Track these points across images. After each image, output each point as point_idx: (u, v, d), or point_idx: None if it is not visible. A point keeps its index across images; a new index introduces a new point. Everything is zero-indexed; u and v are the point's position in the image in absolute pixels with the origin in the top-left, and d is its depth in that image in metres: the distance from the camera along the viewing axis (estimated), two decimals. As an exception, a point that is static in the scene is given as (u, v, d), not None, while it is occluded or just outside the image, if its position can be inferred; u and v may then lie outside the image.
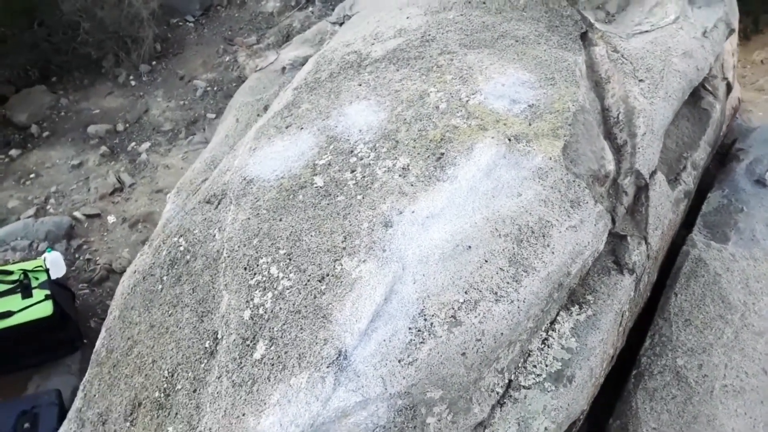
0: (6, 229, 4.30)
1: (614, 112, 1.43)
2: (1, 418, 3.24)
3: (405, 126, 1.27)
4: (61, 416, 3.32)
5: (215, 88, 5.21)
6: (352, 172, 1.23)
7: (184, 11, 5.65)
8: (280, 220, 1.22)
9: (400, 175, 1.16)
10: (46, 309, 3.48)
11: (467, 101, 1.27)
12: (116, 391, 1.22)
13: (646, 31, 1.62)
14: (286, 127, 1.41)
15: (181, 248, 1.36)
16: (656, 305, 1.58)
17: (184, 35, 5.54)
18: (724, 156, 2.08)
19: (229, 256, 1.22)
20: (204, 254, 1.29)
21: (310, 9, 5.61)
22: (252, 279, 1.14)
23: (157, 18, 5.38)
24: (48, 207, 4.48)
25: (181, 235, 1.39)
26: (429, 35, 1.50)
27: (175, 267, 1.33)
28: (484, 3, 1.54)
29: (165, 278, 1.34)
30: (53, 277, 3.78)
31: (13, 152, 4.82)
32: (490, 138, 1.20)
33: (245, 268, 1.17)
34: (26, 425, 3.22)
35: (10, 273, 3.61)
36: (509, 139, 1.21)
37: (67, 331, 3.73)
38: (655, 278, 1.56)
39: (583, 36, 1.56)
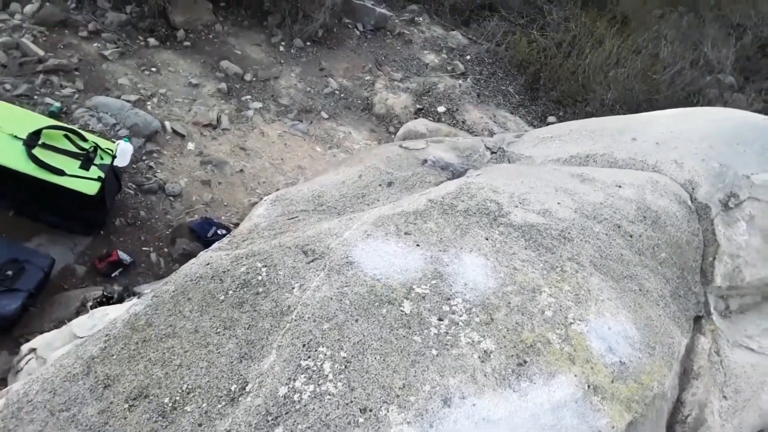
0: (104, 99, 4.46)
1: (686, 411, 1.42)
2: (-8, 251, 3.32)
3: (506, 309, 1.29)
4: (42, 284, 3.38)
5: (342, 95, 5.37)
6: (440, 320, 1.25)
7: (358, 19, 5.88)
8: (356, 321, 1.23)
9: (479, 357, 1.17)
10: (92, 188, 3.58)
11: (571, 324, 1.28)
12: (132, 367, 1.24)
13: (752, 350, 1.61)
14: (405, 234, 1.45)
15: (259, 277, 1.39)
16: None
17: (345, 37, 5.76)
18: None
19: (296, 322, 1.24)
20: (275, 300, 1.32)
21: (460, 81, 5.76)
22: (304, 361, 1.16)
23: (335, 11, 5.63)
24: (148, 103, 4.64)
25: (266, 265, 1.42)
26: (569, 234, 1.53)
27: (245, 290, 1.36)
28: (630, 237, 1.56)
29: (230, 293, 1.37)
30: (116, 164, 3.90)
31: (152, 41, 5.03)
32: (573, 375, 1.20)
33: (304, 345, 1.19)
34: (9, 272, 3.27)
35: (85, 140, 3.73)
36: (588, 386, 1.21)
37: (96, 215, 3.82)
38: None
39: (697, 319, 1.57)
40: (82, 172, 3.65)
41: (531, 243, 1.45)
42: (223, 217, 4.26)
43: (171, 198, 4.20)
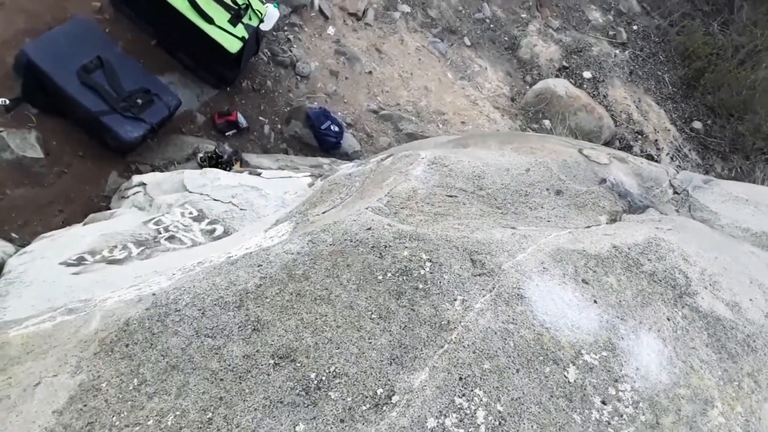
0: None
1: None
2: (133, 77, 3.30)
3: (675, 416, 1.14)
4: (164, 121, 3.38)
5: (491, 26, 4.88)
6: (603, 403, 1.11)
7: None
8: (518, 371, 1.11)
9: (636, 465, 1.05)
10: (233, 45, 3.46)
11: (734, 458, 1.13)
12: (284, 321, 1.16)
13: None
14: (583, 282, 1.27)
15: (422, 271, 1.26)
16: None
17: None
18: None
19: (454, 346, 1.12)
20: (435, 306, 1.20)
21: (617, 51, 5.15)
22: (458, 398, 1.05)
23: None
24: (307, -28, 4.32)
25: (430, 260, 1.28)
26: (754, 343, 1.32)
27: (404, 278, 1.24)
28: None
29: (389, 276, 1.25)
30: (261, 27, 3.73)
31: None
32: None
33: (461, 379, 1.08)
34: (138, 100, 3.28)
35: (240, -6, 3.55)
36: None
37: (229, 72, 3.73)
38: None
39: None
40: (229, 27, 3.51)
41: (713, 341, 1.27)
42: (339, 113, 4.11)
43: (298, 77, 4.05)
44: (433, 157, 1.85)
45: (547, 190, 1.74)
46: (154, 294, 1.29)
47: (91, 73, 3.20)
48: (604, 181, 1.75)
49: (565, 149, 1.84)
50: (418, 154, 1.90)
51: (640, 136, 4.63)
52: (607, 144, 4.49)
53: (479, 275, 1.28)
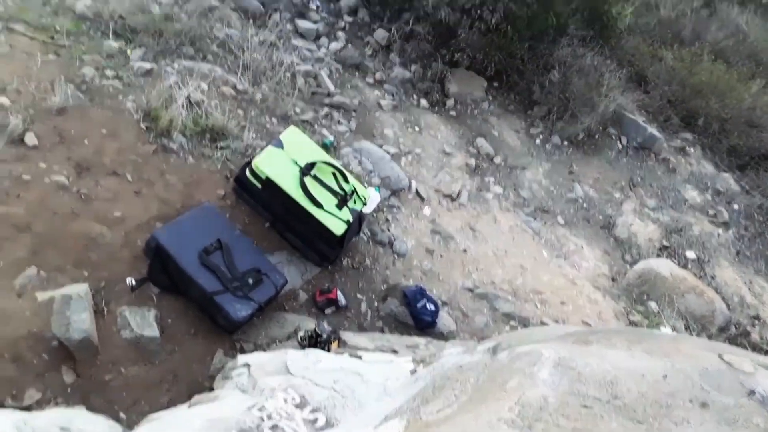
0: (368, 146, 4.63)
1: None
2: (246, 257, 3.55)
3: None
4: (270, 300, 3.54)
5: (584, 205, 5.01)
6: None
7: (625, 132, 5.47)
8: None
9: None
10: (338, 228, 3.72)
11: None
12: None
13: None
14: None
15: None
16: None
17: (605, 147, 5.34)
18: None
19: None
20: None
21: (719, 230, 5.04)
22: None
23: (603, 118, 5.32)
24: (402, 159, 4.77)
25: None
26: None
27: None
28: None
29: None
30: (364, 210, 4.05)
31: (423, 102, 5.17)
32: None
33: None
34: (250, 280, 3.49)
35: (347, 181, 3.93)
36: None
37: (332, 251, 3.96)
38: None
39: None
40: (336, 211, 3.82)
41: None
42: (434, 291, 4.17)
43: (395, 255, 4.22)
44: (557, 357, 1.80)
45: (690, 401, 1.61)
46: None
47: (210, 255, 3.51)
48: (752, 392, 1.60)
49: (703, 354, 1.74)
50: (540, 353, 1.85)
51: (757, 321, 4.31)
52: (722, 330, 4.20)
53: None
